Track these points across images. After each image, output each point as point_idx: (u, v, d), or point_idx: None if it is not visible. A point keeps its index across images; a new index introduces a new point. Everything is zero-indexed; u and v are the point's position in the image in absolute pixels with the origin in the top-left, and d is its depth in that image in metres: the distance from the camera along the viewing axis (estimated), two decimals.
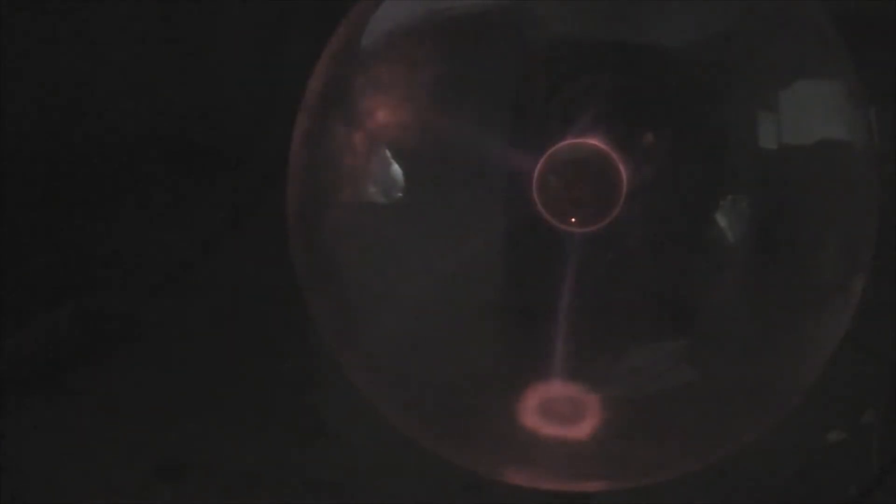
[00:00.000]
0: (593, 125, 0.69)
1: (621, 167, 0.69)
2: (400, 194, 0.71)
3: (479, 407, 0.75)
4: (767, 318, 0.72)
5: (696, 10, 0.71)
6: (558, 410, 0.73)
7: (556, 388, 0.72)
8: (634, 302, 0.71)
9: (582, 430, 0.73)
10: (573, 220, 0.70)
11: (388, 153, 0.72)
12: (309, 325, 0.79)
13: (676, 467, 0.79)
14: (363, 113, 0.73)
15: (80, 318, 1.30)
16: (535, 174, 0.69)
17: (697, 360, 0.72)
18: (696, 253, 0.70)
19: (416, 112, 0.72)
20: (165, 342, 1.32)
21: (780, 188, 0.71)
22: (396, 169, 0.71)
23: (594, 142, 0.69)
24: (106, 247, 1.37)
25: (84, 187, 1.37)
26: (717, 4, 0.72)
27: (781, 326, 0.73)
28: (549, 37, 0.71)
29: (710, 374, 0.73)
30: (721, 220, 0.69)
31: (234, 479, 1.12)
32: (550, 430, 0.74)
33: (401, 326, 0.74)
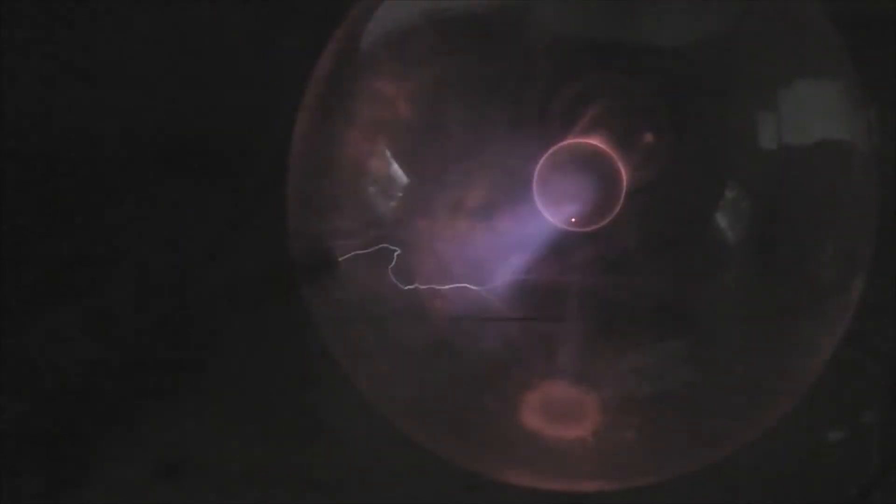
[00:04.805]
0: (593, 125, 0.69)
1: (621, 167, 0.69)
2: (400, 194, 0.71)
3: (479, 407, 0.75)
4: (767, 318, 0.72)
5: (697, 11, 0.71)
6: (558, 410, 0.73)
7: (557, 389, 0.72)
8: (635, 302, 0.71)
9: (582, 429, 0.73)
10: (573, 219, 0.70)
11: (388, 153, 0.72)
12: (309, 326, 0.79)
13: (676, 467, 0.79)
14: (363, 113, 0.73)
15: (80, 319, 1.30)
16: (536, 174, 0.69)
17: (697, 360, 0.72)
18: (696, 253, 0.70)
19: (416, 112, 0.72)
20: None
21: (780, 188, 0.71)
22: (396, 169, 0.71)
23: (594, 142, 0.69)
24: (106, 248, 1.37)
25: (84, 187, 1.37)
26: (717, 4, 0.72)
27: (781, 326, 0.73)
28: (549, 37, 0.71)
29: (710, 374, 0.73)
30: (721, 220, 0.69)
31: (233, 479, 1.12)
32: (551, 430, 0.74)
33: (401, 326, 0.74)
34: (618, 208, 0.69)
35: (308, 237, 0.76)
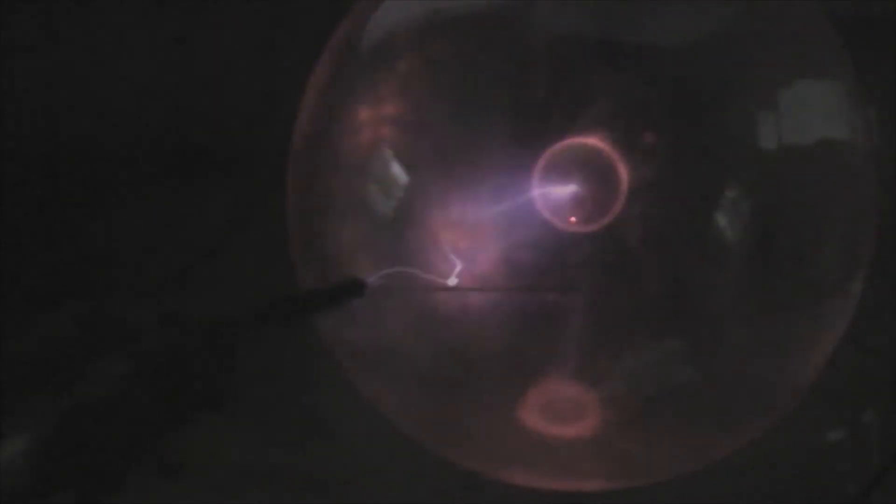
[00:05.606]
0: (593, 125, 0.69)
1: (621, 167, 0.69)
2: (401, 194, 0.71)
3: (479, 406, 0.75)
4: (767, 318, 0.72)
5: (697, 11, 0.71)
6: (559, 410, 0.73)
7: (557, 388, 0.72)
8: (635, 301, 0.71)
9: (582, 429, 0.73)
10: (573, 219, 0.70)
11: (388, 153, 0.72)
12: (309, 326, 0.79)
13: (676, 467, 0.79)
14: (363, 113, 0.73)
15: (80, 319, 1.29)
16: (536, 174, 0.69)
17: (697, 360, 0.72)
18: (696, 253, 0.70)
19: (416, 112, 0.72)
20: None
21: (780, 188, 0.71)
22: (397, 168, 0.71)
23: (594, 141, 0.69)
24: (106, 248, 1.37)
25: (84, 188, 1.37)
26: (717, 4, 0.72)
27: (781, 326, 0.73)
28: (549, 37, 0.71)
29: (710, 374, 0.73)
30: (721, 219, 0.69)
31: (233, 479, 1.12)
32: (551, 429, 0.74)
33: (401, 326, 0.74)
34: (618, 208, 0.69)
35: (312, 247, 0.76)
